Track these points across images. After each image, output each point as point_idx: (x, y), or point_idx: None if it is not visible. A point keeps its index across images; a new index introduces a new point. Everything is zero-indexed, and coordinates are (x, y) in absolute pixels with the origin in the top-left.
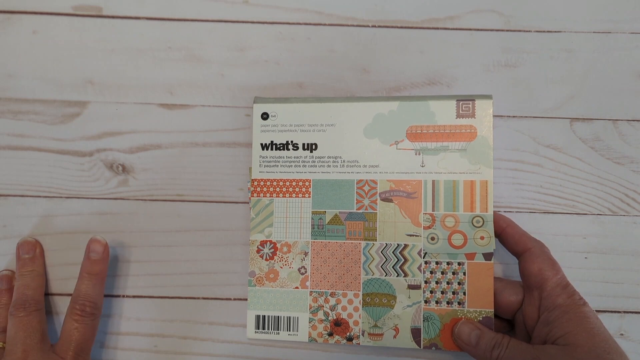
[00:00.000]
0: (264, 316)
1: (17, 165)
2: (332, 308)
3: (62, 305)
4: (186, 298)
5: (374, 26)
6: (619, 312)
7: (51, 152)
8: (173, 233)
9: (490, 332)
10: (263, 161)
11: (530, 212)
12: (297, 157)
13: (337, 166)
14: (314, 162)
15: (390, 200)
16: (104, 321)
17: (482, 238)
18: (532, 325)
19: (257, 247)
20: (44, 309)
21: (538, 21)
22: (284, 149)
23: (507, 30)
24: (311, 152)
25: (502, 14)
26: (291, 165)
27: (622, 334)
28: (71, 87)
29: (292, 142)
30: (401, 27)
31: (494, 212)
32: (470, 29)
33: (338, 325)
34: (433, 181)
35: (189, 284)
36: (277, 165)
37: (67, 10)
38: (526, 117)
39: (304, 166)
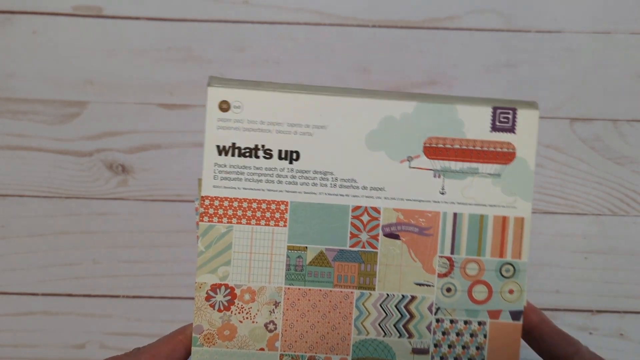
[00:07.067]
0: None
1: (17, 165)
2: None
3: (62, 305)
4: (186, 298)
5: (374, 26)
6: (618, 312)
7: (51, 152)
8: (173, 233)
9: None
10: (220, 171)
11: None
12: (270, 169)
13: (326, 185)
14: (293, 177)
15: (397, 237)
16: (104, 321)
17: (511, 292)
18: None
19: (207, 292)
20: None
21: (538, 21)
22: (251, 156)
23: (507, 30)
24: (291, 163)
25: (502, 14)
26: (261, 180)
27: (621, 334)
28: (71, 87)
29: (263, 147)
30: (401, 27)
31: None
32: (470, 29)
33: None
34: (455, 214)
35: (189, 284)
36: (240, 179)
37: (67, 10)
38: None
39: (280, 182)
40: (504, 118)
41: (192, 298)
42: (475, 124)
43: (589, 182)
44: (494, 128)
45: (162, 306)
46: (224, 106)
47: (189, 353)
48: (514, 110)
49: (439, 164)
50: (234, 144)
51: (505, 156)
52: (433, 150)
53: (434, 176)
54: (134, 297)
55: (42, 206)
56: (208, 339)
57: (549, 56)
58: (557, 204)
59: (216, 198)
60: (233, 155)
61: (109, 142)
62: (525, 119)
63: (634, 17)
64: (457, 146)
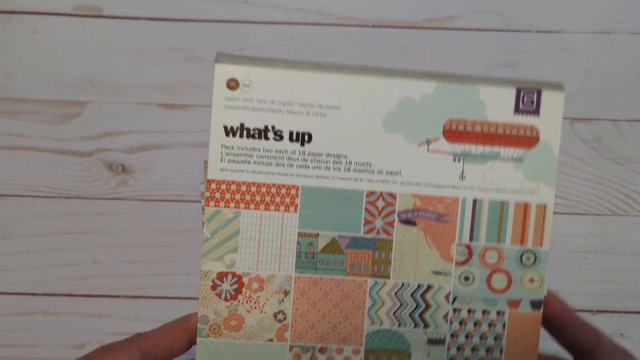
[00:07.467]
0: None
1: (17, 165)
2: None
3: (62, 305)
4: (186, 298)
5: (374, 26)
6: (618, 312)
7: (51, 152)
8: (173, 233)
9: None
10: (227, 153)
11: None
12: (281, 152)
13: (339, 169)
14: (305, 160)
15: (413, 224)
16: (104, 321)
17: (531, 281)
18: None
19: (213, 281)
20: None
21: (538, 21)
22: (260, 138)
23: (507, 30)
24: (302, 145)
25: (502, 14)
26: (270, 164)
27: (622, 334)
28: (71, 87)
29: (273, 127)
30: (401, 27)
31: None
32: (470, 29)
33: None
34: (474, 200)
35: (189, 285)
36: (249, 162)
37: (67, 10)
38: None
39: (290, 166)
40: (528, 100)
41: (193, 298)
42: (497, 106)
43: (589, 182)
44: (518, 110)
45: (162, 306)
46: (232, 84)
47: (192, 342)
48: (539, 92)
49: (459, 148)
50: (242, 124)
51: (529, 140)
52: (453, 134)
53: (454, 160)
54: (134, 297)
55: (42, 206)
56: (214, 329)
57: (549, 56)
58: (557, 204)
59: (223, 182)
60: (241, 136)
61: (109, 142)
62: (551, 101)
63: (634, 17)
64: (479, 129)
